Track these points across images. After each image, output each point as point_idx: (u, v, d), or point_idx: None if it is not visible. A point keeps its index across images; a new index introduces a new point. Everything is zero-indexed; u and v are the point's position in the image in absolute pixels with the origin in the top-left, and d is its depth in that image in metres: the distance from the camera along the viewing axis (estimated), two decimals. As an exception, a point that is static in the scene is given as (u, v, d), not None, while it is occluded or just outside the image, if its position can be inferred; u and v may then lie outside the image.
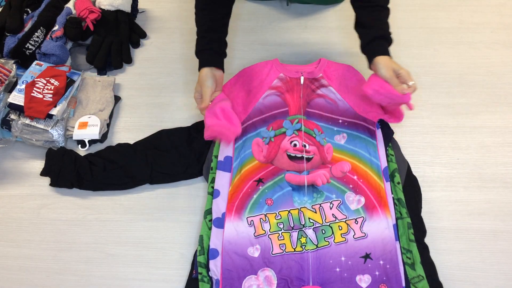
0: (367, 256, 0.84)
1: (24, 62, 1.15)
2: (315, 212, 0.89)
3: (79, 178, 0.98)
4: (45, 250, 0.94)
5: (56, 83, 1.08)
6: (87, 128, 1.06)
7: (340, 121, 0.99)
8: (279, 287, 0.82)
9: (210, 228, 0.89)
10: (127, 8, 1.26)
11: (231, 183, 0.93)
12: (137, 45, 1.26)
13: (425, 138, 1.05)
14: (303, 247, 0.85)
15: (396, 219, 0.88)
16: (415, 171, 0.98)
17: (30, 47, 1.14)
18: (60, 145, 1.05)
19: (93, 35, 1.21)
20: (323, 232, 0.87)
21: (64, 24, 1.18)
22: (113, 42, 1.20)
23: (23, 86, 1.06)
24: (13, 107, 1.05)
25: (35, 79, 1.08)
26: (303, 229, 0.87)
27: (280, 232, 0.87)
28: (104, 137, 1.08)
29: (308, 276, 0.83)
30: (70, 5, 1.23)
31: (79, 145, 1.06)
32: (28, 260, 0.93)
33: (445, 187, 0.98)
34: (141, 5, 1.33)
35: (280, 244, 0.86)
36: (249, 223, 0.88)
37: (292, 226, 0.88)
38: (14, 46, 1.13)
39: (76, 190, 1.00)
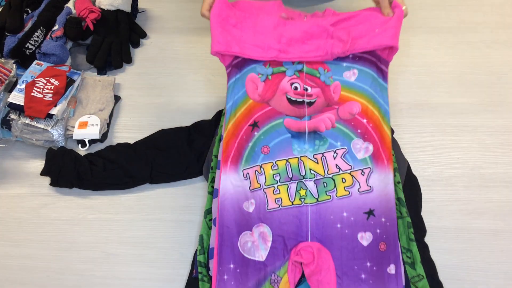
0: (370, 213, 0.78)
1: (24, 62, 1.15)
2: (317, 163, 0.80)
3: (79, 178, 0.98)
4: (46, 250, 0.94)
5: (56, 82, 1.08)
6: (87, 128, 1.06)
7: (351, 55, 0.87)
8: (275, 244, 0.77)
9: (210, 228, 0.89)
10: (127, 8, 1.26)
11: (225, 128, 0.85)
12: (137, 45, 1.26)
13: (425, 137, 1.05)
14: (302, 200, 0.78)
15: (396, 218, 0.88)
16: (415, 171, 0.99)
17: (30, 47, 1.14)
18: (60, 144, 1.05)
19: (93, 35, 1.21)
20: (325, 185, 0.79)
21: (64, 24, 1.18)
22: (113, 42, 1.20)
23: (23, 86, 1.06)
24: (13, 107, 1.05)
25: (35, 79, 1.08)
26: (303, 180, 0.80)
27: (275, 186, 0.80)
28: (104, 136, 1.08)
29: (306, 232, 0.77)
30: (70, 5, 1.23)
31: (79, 145, 1.06)
32: (29, 260, 0.93)
33: (445, 186, 0.98)
34: (141, 5, 1.33)
35: (275, 199, 0.79)
36: (245, 176, 0.82)
37: (290, 177, 0.80)
38: (14, 46, 1.13)
39: (76, 189, 1.00)
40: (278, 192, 0.80)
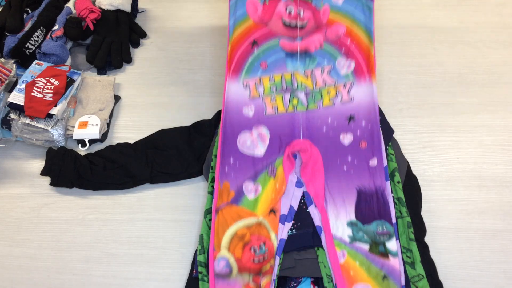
0: (351, 118, 0.93)
1: (24, 61, 1.15)
2: (307, 78, 0.95)
3: (79, 178, 0.98)
4: (46, 250, 0.94)
5: (56, 82, 1.08)
6: (87, 128, 1.06)
7: None
8: (272, 141, 0.92)
9: (210, 228, 0.89)
10: (127, 7, 1.27)
11: (229, 42, 0.98)
12: (137, 44, 1.26)
13: (425, 137, 1.05)
14: (295, 108, 0.94)
15: (396, 218, 0.88)
16: (415, 170, 0.99)
17: (30, 46, 1.14)
18: (60, 144, 1.05)
19: (93, 35, 1.21)
20: (313, 96, 0.94)
21: (64, 24, 1.18)
22: (113, 42, 1.21)
23: (23, 86, 1.06)
24: (13, 107, 1.05)
25: (35, 79, 1.08)
26: (295, 92, 0.94)
27: (272, 95, 0.94)
28: (104, 136, 1.08)
29: (298, 132, 0.92)
30: (70, 4, 1.23)
31: (79, 145, 1.06)
32: (29, 260, 0.93)
33: (445, 186, 0.98)
34: (141, 4, 1.33)
35: (272, 106, 0.94)
36: (245, 86, 0.95)
37: (284, 88, 0.95)
38: (14, 46, 1.13)
39: (76, 189, 1.00)
40: (275, 101, 0.95)
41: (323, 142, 0.92)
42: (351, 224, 0.86)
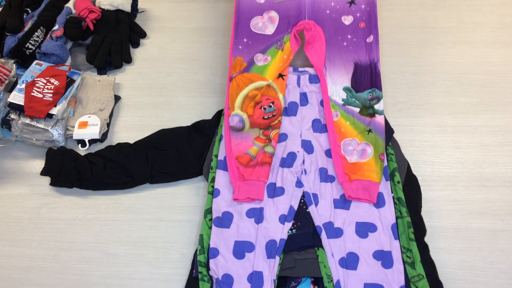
0: (352, 2, 1.06)
1: (24, 61, 1.15)
2: None
3: (79, 178, 0.98)
4: (46, 250, 0.94)
5: (56, 82, 1.08)
6: (87, 128, 1.06)
7: None
8: (281, 23, 1.05)
9: (210, 227, 0.89)
10: (127, 7, 1.26)
11: None
12: (137, 44, 1.26)
13: (425, 137, 1.05)
14: None
15: (396, 218, 0.88)
16: (415, 170, 0.99)
17: (30, 46, 1.14)
18: (60, 144, 1.05)
19: (93, 35, 1.21)
20: None
21: (64, 24, 1.18)
22: (113, 42, 1.21)
23: (23, 86, 1.06)
24: (13, 107, 1.05)
25: (35, 79, 1.08)
26: None
27: None
28: (104, 136, 1.08)
29: (304, 15, 1.06)
30: (70, 4, 1.23)
31: (79, 145, 1.06)
32: (29, 260, 0.93)
33: (445, 186, 0.98)
34: (141, 4, 1.33)
35: None
36: None
37: None
38: (14, 46, 1.13)
39: (76, 189, 1.00)
40: None
41: (326, 23, 1.05)
42: (346, 89, 0.99)
